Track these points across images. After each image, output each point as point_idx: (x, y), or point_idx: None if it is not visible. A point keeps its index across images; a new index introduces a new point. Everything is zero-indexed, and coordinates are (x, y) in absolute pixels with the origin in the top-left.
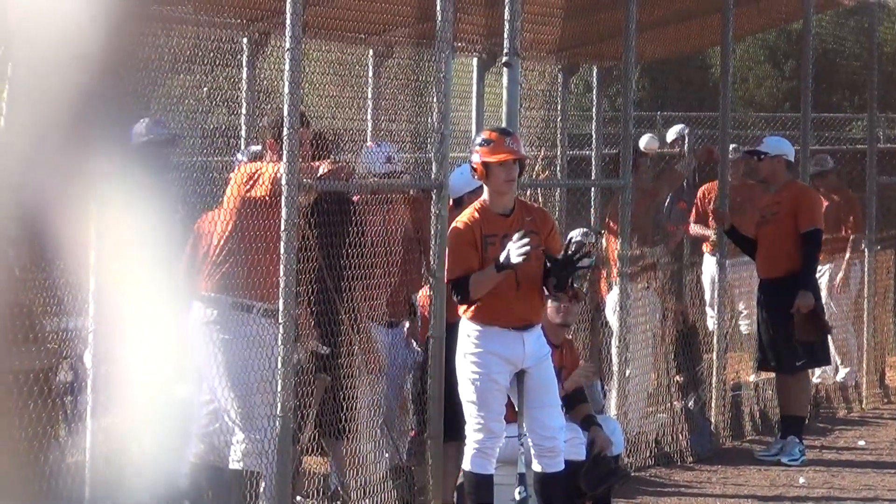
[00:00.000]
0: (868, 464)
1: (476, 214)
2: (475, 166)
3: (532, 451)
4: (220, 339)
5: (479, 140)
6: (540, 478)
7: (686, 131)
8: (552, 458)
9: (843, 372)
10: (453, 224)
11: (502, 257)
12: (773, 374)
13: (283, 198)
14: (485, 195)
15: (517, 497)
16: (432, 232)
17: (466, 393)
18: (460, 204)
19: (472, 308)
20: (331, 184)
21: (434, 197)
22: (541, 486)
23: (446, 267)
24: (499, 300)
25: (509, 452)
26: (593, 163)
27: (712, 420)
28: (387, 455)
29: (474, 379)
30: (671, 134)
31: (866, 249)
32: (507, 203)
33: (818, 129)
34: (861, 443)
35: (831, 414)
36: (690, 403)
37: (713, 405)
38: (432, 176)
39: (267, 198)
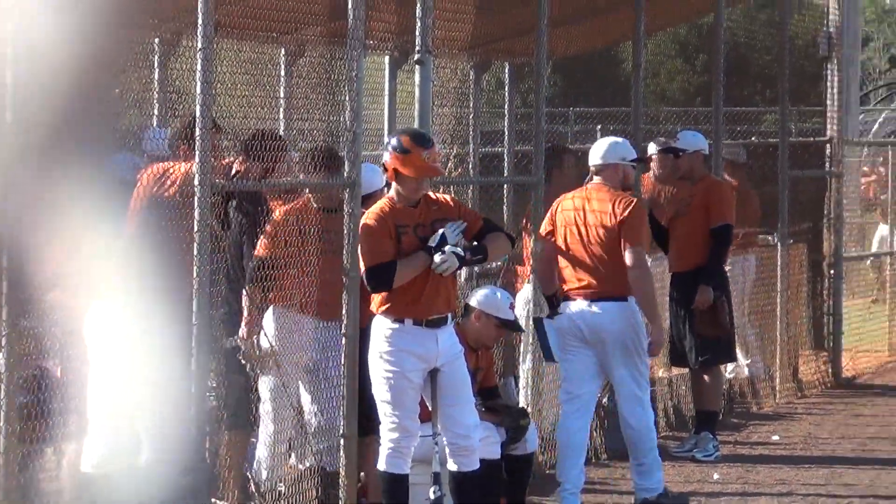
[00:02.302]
0: (782, 458)
1: (385, 208)
2: (386, 168)
3: (447, 450)
4: (122, 343)
5: (394, 143)
6: (455, 477)
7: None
8: (467, 456)
9: (744, 364)
10: (363, 219)
11: (434, 243)
12: (686, 370)
13: (195, 199)
14: (392, 192)
15: (432, 496)
16: (345, 231)
17: (380, 392)
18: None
19: (386, 303)
20: (243, 183)
21: (346, 195)
22: (456, 486)
23: (361, 259)
24: (410, 292)
25: (424, 451)
26: (506, 159)
27: None
28: (292, 455)
29: (388, 377)
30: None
31: (779, 243)
32: (415, 197)
33: (730, 122)
34: (775, 437)
35: (745, 409)
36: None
37: None
38: (345, 174)
39: (177, 197)
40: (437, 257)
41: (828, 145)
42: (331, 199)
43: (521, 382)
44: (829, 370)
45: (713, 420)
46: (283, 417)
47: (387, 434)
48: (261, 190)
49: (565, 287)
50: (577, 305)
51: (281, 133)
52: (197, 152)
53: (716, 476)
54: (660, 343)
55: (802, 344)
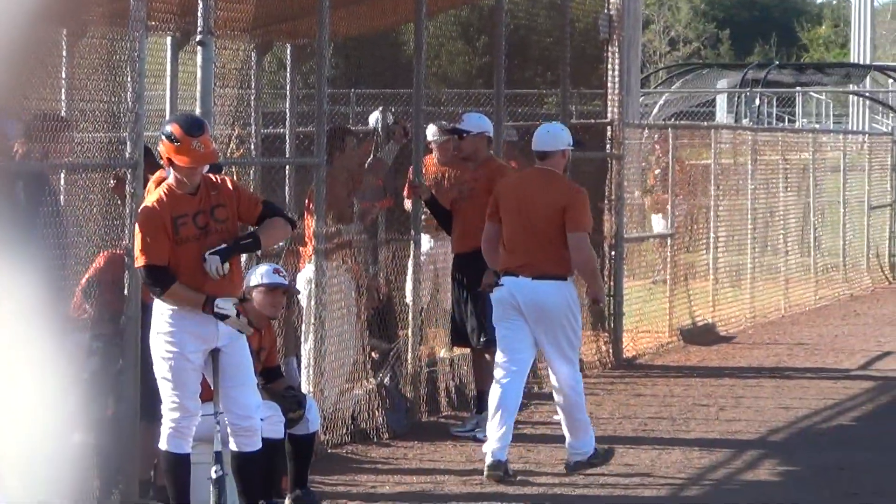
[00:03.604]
0: (563, 438)
1: (164, 197)
2: (161, 156)
3: (228, 430)
4: None
5: (166, 131)
6: (237, 457)
7: (379, 117)
8: (249, 437)
9: None
10: (143, 205)
11: (217, 309)
12: (468, 350)
13: None
14: (170, 177)
15: (213, 476)
16: (127, 211)
17: (161, 371)
18: None
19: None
20: (27, 164)
21: (129, 176)
22: (237, 466)
23: (137, 249)
24: (194, 282)
25: (206, 431)
26: (287, 141)
27: (408, 396)
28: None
29: (168, 357)
30: (371, 121)
31: None
32: (193, 183)
33: (512, 104)
34: (556, 417)
35: (527, 389)
36: (386, 380)
37: (409, 381)
38: (126, 155)
39: None
40: (204, 265)
41: (609, 127)
42: None
43: (304, 362)
44: (610, 351)
45: None
46: None
47: (168, 414)
48: (44, 171)
49: (507, 264)
50: (519, 282)
51: (63, 114)
52: None
53: None
54: (602, 298)
55: (583, 325)
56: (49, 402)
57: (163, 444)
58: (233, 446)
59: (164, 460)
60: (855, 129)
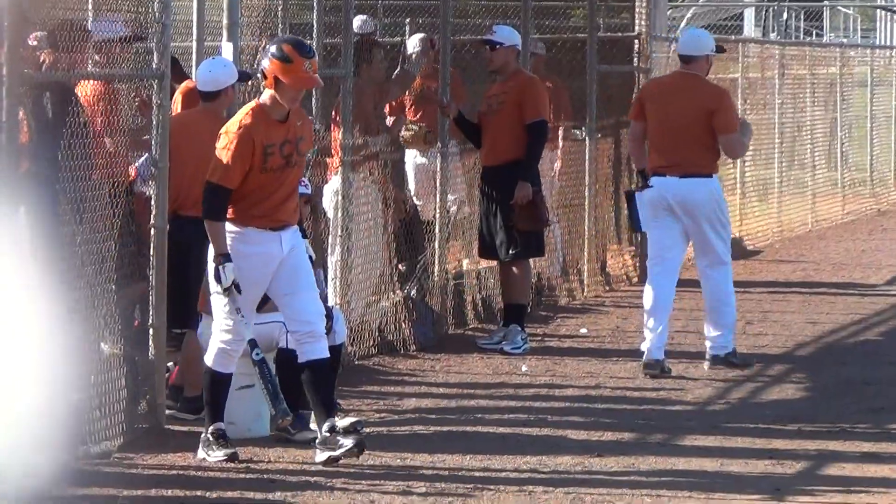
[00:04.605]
0: (590, 351)
1: (259, 121)
2: (266, 75)
3: (292, 340)
4: None
5: (275, 51)
6: (305, 366)
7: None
8: (313, 343)
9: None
10: (236, 123)
11: (219, 270)
12: (495, 263)
13: (3, 89)
14: (265, 97)
15: (255, 358)
16: (154, 122)
17: (217, 289)
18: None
19: (232, 212)
20: (53, 74)
21: (155, 87)
22: (309, 377)
23: (217, 164)
24: (257, 205)
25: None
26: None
27: (435, 309)
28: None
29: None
30: (413, 44)
31: (587, 138)
32: (291, 107)
33: (538, 16)
34: (583, 330)
35: (553, 302)
36: (413, 292)
37: (436, 294)
38: (154, 66)
39: None
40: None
41: (636, 41)
42: None
43: (330, 274)
44: (637, 264)
45: (522, 313)
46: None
47: (219, 335)
48: (70, 82)
49: (655, 164)
50: (667, 181)
51: (90, 24)
52: (6, 42)
53: (524, 368)
54: None
55: (610, 238)
56: (76, 311)
57: (209, 361)
58: (300, 356)
59: (209, 377)
60: (883, 43)
